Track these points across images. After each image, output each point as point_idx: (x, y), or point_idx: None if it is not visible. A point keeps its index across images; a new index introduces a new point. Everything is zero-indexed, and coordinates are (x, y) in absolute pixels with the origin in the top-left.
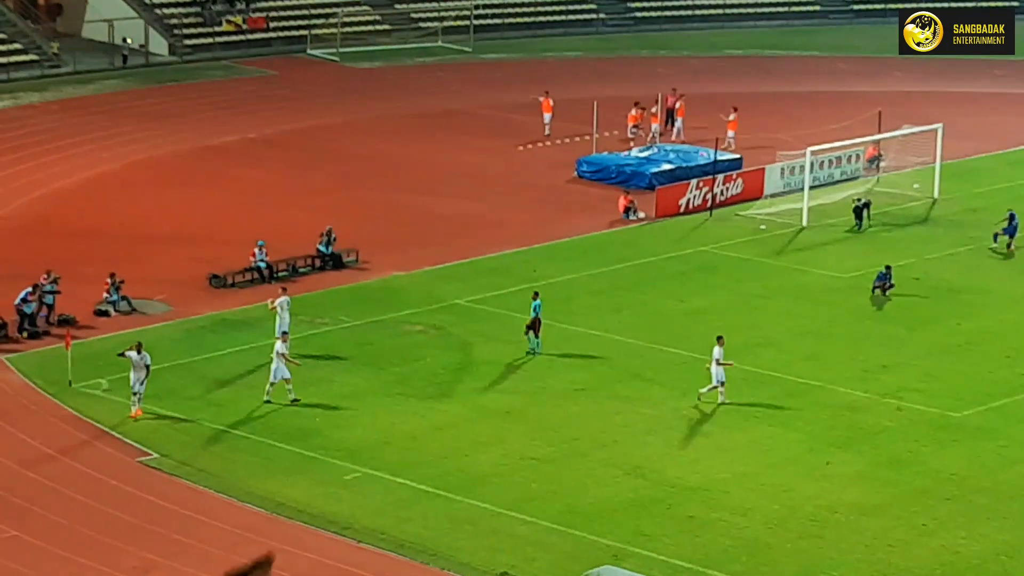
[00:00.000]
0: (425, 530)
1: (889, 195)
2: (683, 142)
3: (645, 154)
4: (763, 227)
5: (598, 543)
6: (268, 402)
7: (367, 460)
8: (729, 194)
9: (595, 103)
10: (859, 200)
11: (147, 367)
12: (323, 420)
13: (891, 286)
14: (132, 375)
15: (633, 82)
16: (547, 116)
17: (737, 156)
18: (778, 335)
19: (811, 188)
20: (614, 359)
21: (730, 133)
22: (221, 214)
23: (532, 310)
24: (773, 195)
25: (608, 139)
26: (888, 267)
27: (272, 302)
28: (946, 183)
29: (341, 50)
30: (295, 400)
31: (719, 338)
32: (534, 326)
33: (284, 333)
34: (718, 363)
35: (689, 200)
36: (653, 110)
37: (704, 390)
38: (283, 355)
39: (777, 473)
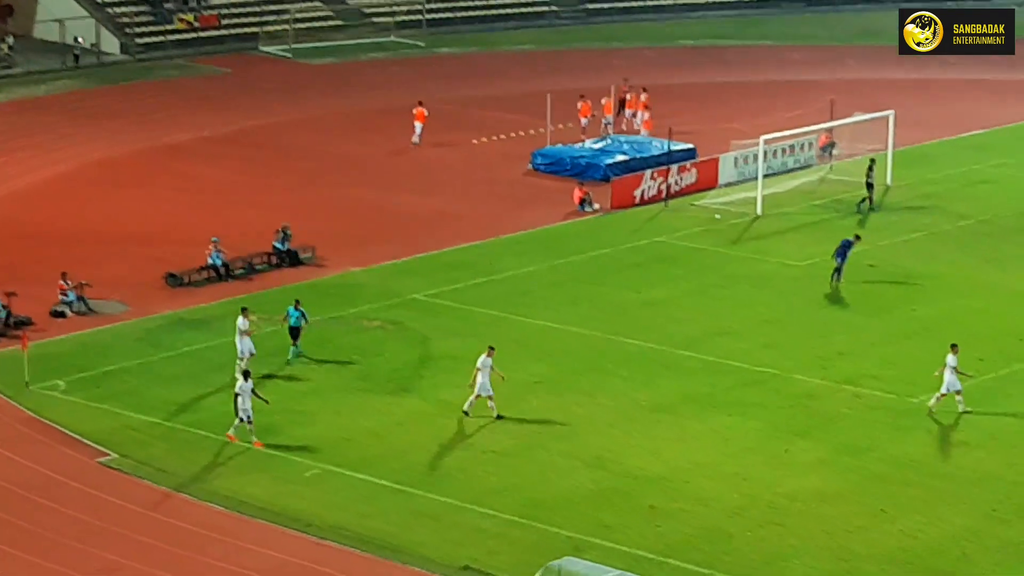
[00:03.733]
0: (387, 525)
1: (843, 183)
2: (638, 134)
3: (599, 146)
4: (718, 216)
5: (560, 535)
6: (466, 414)
7: (328, 456)
8: (683, 184)
9: (548, 96)
10: (868, 176)
11: (253, 391)
12: (283, 417)
13: (839, 273)
14: (244, 402)
15: (587, 74)
16: (418, 126)
17: (691, 146)
18: (736, 324)
19: (765, 177)
20: (573, 351)
21: (644, 132)
22: (177, 213)
23: (292, 318)
24: (727, 184)
25: (562, 131)
26: (857, 236)
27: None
28: (899, 170)
29: (294, 46)
30: (499, 416)
31: (953, 346)
32: (293, 333)
33: (491, 348)
34: (954, 371)
35: (644, 191)
36: (603, 100)
37: (933, 401)
38: (480, 369)
39: (737, 462)
